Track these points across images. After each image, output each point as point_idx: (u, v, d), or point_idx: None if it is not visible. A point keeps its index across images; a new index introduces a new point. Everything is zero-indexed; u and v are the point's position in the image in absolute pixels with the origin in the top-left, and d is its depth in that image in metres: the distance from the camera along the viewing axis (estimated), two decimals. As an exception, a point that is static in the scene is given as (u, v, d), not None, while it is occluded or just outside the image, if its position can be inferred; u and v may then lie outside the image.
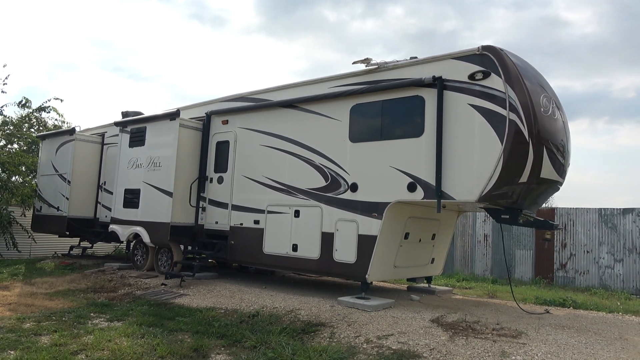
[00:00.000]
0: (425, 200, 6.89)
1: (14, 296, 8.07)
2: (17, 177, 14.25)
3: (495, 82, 6.40)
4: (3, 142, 14.84)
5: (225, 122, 9.69)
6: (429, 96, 6.94)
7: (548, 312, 7.66)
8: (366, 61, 7.50)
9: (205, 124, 10.03)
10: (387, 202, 7.22)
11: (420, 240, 8.32)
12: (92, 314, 7.02)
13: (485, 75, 6.48)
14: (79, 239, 12.89)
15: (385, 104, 7.41)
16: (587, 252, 13.22)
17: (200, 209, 9.92)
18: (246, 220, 9.10)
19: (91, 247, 12.67)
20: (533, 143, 6.30)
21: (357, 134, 7.71)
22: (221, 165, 9.66)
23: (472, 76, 6.59)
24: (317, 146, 8.17)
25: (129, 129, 10.71)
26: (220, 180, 9.64)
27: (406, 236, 7.83)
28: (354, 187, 7.64)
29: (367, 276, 7.34)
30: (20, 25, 61.24)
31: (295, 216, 8.36)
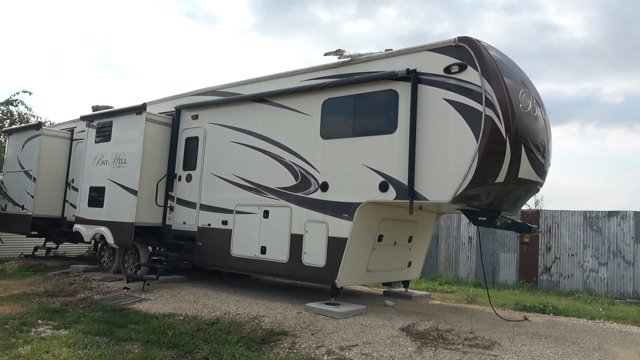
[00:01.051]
0: (397, 200, 6.48)
1: (-40, 300, 7.54)
2: None
3: (472, 76, 6.01)
4: None
5: (195, 117, 9.21)
6: (403, 90, 6.54)
7: (526, 319, 7.29)
8: (339, 53, 7.08)
9: (174, 119, 9.56)
10: (358, 202, 6.80)
11: (395, 243, 7.91)
12: (39, 321, 6.53)
13: (462, 68, 6.09)
14: (44, 239, 12.31)
15: (358, 99, 6.99)
16: (572, 255, 12.93)
17: (168, 209, 9.44)
18: (214, 220, 8.63)
19: (56, 248, 12.11)
20: (511, 141, 5.92)
21: (329, 130, 7.29)
22: (190, 162, 9.19)
23: (447, 69, 6.20)
24: (287, 143, 7.73)
25: (95, 123, 10.19)
26: (188, 179, 9.17)
27: (380, 238, 7.42)
28: (324, 187, 7.21)
29: (336, 281, 6.92)
30: (10, 22, 60.13)
31: (264, 217, 7.91)
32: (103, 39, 73.01)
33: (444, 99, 6.16)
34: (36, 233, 12.41)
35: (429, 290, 10.70)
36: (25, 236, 12.58)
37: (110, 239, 9.41)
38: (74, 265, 11.19)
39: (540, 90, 7.08)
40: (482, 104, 5.87)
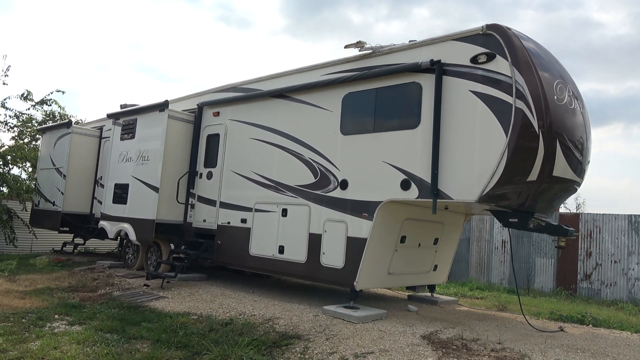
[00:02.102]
0: (419, 199, 6.10)
1: (-16, 293, 7.66)
2: (20, 170, 14.07)
3: (501, 66, 5.57)
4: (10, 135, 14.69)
5: (217, 114, 9.10)
6: (427, 83, 6.16)
7: (562, 330, 6.75)
8: (359, 45, 6.77)
9: (196, 116, 9.47)
10: (378, 201, 6.47)
11: (419, 245, 7.52)
12: (56, 316, 6.52)
13: (490, 57, 5.66)
14: (72, 235, 12.53)
15: (380, 93, 6.66)
16: (615, 262, 12.09)
17: (189, 206, 9.36)
18: (233, 218, 8.47)
19: (83, 244, 12.29)
20: (544, 135, 5.45)
21: (349, 126, 6.98)
22: (211, 159, 9.08)
23: (474, 59, 5.78)
24: (307, 139, 7.47)
25: (121, 121, 10.25)
26: (209, 176, 9.05)
27: (402, 240, 7.05)
28: (343, 184, 6.91)
29: (355, 283, 6.60)
30: (56, 26, 62.72)
31: (282, 215, 7.68)
32: (143, 43, 75.09)
33: (471, 90, 5.75)
34: (67, 229, 12.66)
35: (457, 296, 10.21)
36: (56, 232, 12.85)
37: (132, 236, 9.41)
38: (100, 261, 11.31)
39: (582, 90, 6.53)
40: (512, 96, 5.43)
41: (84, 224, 12.09)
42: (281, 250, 7.62)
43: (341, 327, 6.07)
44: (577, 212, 16.71)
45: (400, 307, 7.72)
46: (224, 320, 6.42)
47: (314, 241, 7.17)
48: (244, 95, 8.57)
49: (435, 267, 8.19)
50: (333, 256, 6.92)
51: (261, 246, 7.94)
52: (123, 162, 9.94)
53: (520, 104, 5.38)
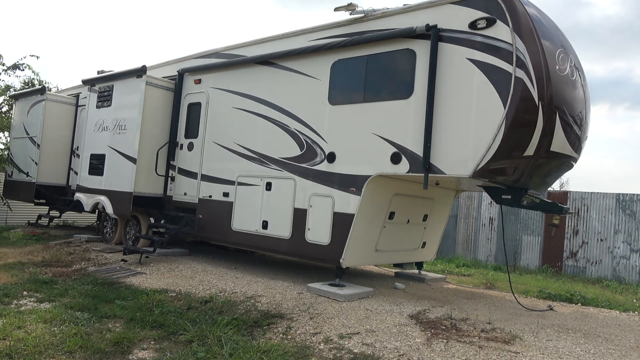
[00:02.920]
0: (410, 174, 5.80)
1: (-51, 267, 7.24)
2: None
3: (501, 32, 5.21)
4: None
5: (198, 82, 8.61)
6: (421, 49, 5.78)
7: (551, 309, 6.61)
8: (350, 8, 6.32)
9: (177, 83, 8.96)
10: (367, 175, 6.15)
11: (408, 222, 7.26)
12: (24, 293, 6.15)
13: (490, 22, 5.29)
14: (48, 207, 12.03)
15: (371, 60, 6.25)
16: (601, 240, 12.05)
17: (169, 179, 8.94)
18: (215, 192, 8.10)
19: (59, 217, 11.83)
20: (544, 108, 5.14)
21: (338, 96, 6.59)
22: (192, 130, 8.63)
23: (473, 24, 5.40)
24: (293, 109, 7.07)
25: (96, 87, 9.69)
26: (190, 147, 8.62)
27: (391, 216, 6.78)
28: (331, 157, 6.56)
29: (341, 260, 6.33)
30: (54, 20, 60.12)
31: (266, 189, 7.33)
32: (126, 12, 72.51)
33: (468, 58, 5.39)
34: (44, 201, 12.15)
35: (444, 273, 10.07)
36: (32, 204, 12.34)
37: (109, 209, 9.00)
38: (77, 235, 10.88)
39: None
40: (512, 64, 5.09)
41: (60, 196, 11.59)
42: (265, 225, 7.30)
43: (326, 306, 5.82)
44: (563, 190, 16.67)
45: (387, 285, 7.51)
46: (204, 297, 6.12)
47: (299, 216, 6.86)
48: (227, 61, 8.08)
49: (424, 244, 7.97)
50: (319, 232, 6.62)
51: (244, 221, 7.60)
52: (99, 132, 9.43)
53: (520, 73, 5.05)
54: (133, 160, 8.54)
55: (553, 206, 6.05)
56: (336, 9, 6.39)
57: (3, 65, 12.38)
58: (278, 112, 7.23)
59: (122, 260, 8.23)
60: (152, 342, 4.67)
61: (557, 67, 5.26)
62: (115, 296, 6.08)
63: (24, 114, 12.04)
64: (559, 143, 5.46)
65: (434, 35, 5.60)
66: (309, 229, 6.75)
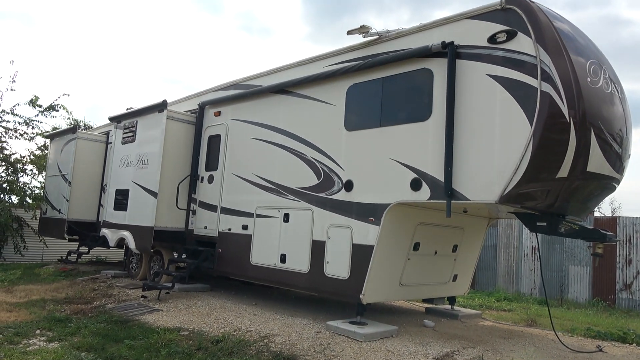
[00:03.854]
0: (431, 201, 5.37)
1: (-28, 305, 7.26)
2: (30, 177, 13.90)
3: (523, 44, 4.82)
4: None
5: (218, 114, 8.56)
6: (438, 68, 5.45)
7: (601, 350, 5.87)
8: (363, 30, 6.10)
9: (198, 116, 8.96)
10: (386, 203, 5.76)
11: (436, 253, 6.75)
12: (37, 331, 6.02)
13: (510, 35, 4.91)
14: (75, 243, 12.18)
15: (386, 82, 5.97)
16: (659, 271, 10.96)
17: (190, 212, 8.82)
18: (234, 225, 7.88)
19: (87, 252, 11.93)
20: (576, 124, 4.66)
21: (354, 121, 6.31)
22: (212, 162, 8.53)
23: (492, 38, 5.04)
24: (309, 137, 6.84)
25: (122, 124, 9.84)
26: (210, 180, 8.51)
27: (416, 247, 6.31)
28: (348, 186, 6.23)
29: (362, 296, 5.89)
30: (76, 42, 64.28)
31: (284, 221, 7.04)
32: (170, 55, 76.16)
33: (489, 74, 5.01)
34: (77, 237, 12.32)
35: (482, 308, 9.37)
36: (66, 241, 12.53)
37: (132, 244, 8.93)
38: (105, 270, 10.90)
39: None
40: (537, 79, 4.67)
41: (91, 232, 11.72)
42: (283, 259, 6.97)
43: (344, 347, 5.37)
44: (614, 215, 15.52)
45: (415, 322, 6.95)
46: (216, 337, 5.79)
47: (317, 249, 6.50)
48: (244, 92, 8.00)
49: (455, 277, 7.39)
50: (337, 265, 6.23)
51: (262, 255, 7.31)
52: (124, 167, 9.51)
53: (546, 87, 4.61)
54: (154, 194, 8.49)
55: (595, 233, 5.44)
56: (349, 32, 6.20)
57: (40, 107, 12.89)
58: (295, 140, 7.01)
59: (142, 296, 8.06)
60: (153, 387, 4.36)
61: (588, 79, 4.79)
62: (125, 335, 5.85)
63: (58, 152, 12.40)
64: (597, 163, 4.92)
65: (450, 52, 5.27)
66: (327, 262, 6.37)
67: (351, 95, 6.35)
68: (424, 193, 5.42)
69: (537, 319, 8.34)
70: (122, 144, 9.72)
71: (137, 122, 9.41)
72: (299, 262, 6.71)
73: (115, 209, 9.60)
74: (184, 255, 8.76)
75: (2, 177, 12.82)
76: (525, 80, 4.73)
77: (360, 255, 5.96)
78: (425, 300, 8.04)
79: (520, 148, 4.69)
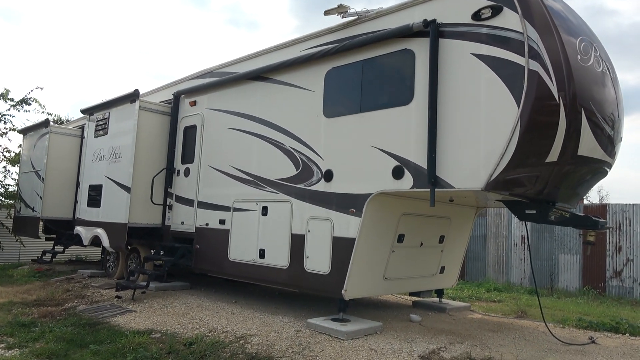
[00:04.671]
0: (414, 189, 5.06)
1: None
2: (2, 174, 13.35)
3: (509, 20, 4.50)
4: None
5: (193, 104, 8.16)
6: (420, 48, 5.11)
7: (593, 341, 5.63)
8: (342, 10, 5.75)
9: (173, 106, 8.54)
10: (367, 193, 5.44)
11: (422, 245, 6.46)
12: (-2, 337, 5.63)
13: (496, 11, 4.59)
14: (52, 242, 11.71)
15: (366, 65, 5.62)
16: (649, 258, 10.81)
17: (167, 207, 8.44)
18: (212, 219, 7.52)
19: (62, 252, 11.47)
20: (566, 105, 4.36)
21: (333, 107, 5.97)
22: (188, 154, 8.14)
23: (477, 15, 4.72)
24: (287, 125, 6.48)
25: (94, 116, 9.40)
26: (187, 173, 8.12)
27: (400, 239, 6.01)
28: (328, 176, 5.89)
29: (343, 292, 5.57)
30: (63, 36, 62.99)
31: (262, 214, 6.70)
32: (153, 50, 75.06)
33: (473, 54, 4.68)
34: (54, 236, 11.86)
35: (471, 299, 9.12)
36: (43, 240, 12.06)
37: (105, 242, 8.54)
38: (81, 270, 10.48)
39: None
40: (524, 56, 4.36)
41: (67, 231, 11.26)
42: (262, 254, 6.63)
43: (324, 346, 5.06)
44: (603, 203, 15.39)
45: (401, 317, 6.67)
46: (189, 339, 5.45)
47: (297, 243, 6.18)
48: (220, 80, 7.61)
49: (442, 269, 7.12)
50: (318, 260, 5.91)
51: (241, 250, 6.97)
52: (97, 162, 9.08)
53: (534, 65, 4.30)
54: (127, 189, 8.09)
55: (586, 220, 5.17)
56: (326, 12, 5.83)
57: (12, 100, 12.35)
58: (272, 129, 6.65)
59: (117, 297, 7.67)
60: (115, 397, 4.01)
61: (578, 56, 4.49)
62: (92, 340, 5.49)
63: (31, 148, 11.90)
64: (588, 146, 4.64)
65: (433, 31, 4.94)
66: (307, 257, 6.04)
67: (330, 80, 6.00)
68: (407, 181, 5.11)
69: (527, 309, 8.10)
70: (95, 137, 9.29)
71: (109, 114, 8.97)
72: (279, 257, 6.38)
73: (88, 205, 9.18)
74: (161, 253, 8.39)
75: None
76: (512, 58, 4.42)
77: (341, 248, 5.65)
78: (412, 294, 7.76)
79: (507, 131, 4.39)
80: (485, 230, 13.52)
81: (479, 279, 13.08)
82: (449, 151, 4.79)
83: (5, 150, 13.32)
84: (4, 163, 13.05)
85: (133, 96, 8.25)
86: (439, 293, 7.56)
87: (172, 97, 8.64)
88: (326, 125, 5.99)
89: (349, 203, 5.61)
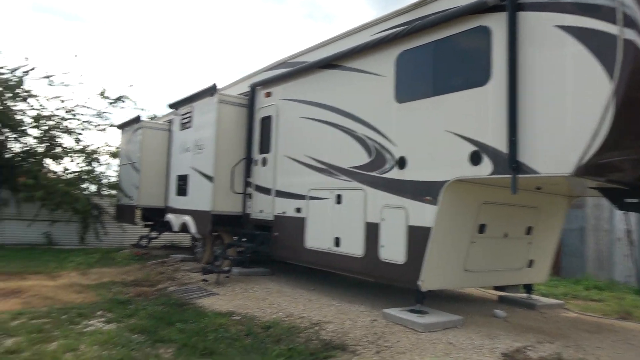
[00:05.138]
0: (494, 176, 4.74)
1: (48, 288, 7.71)
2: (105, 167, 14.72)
3: (601, -15, 4.02)
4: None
5: (268, 95, 8.35)
6: (497, 24, 4.76)
7: None
8: (414, -10, 5.51)
9: (249, 98, 8.81)
10: (442, 180, 5.21)
11: (506, 236, 6.08)
12: (99, 312, 6.20)
13: (584, -24, 4.12)
14: (148, 228, 12.70)
15: (438, 46, 5.36)
16: None
17: (247, 196, 8.75)
18: (289, 208, 7.67)
19: (156, 238, 12.39)
20: (671, 77, 3.81)
21: (405, 92, 5.77)
22: (265, 145, 8.36)
23: (562, -18, 4.27)
24: (359, 112, 6.40)
25: (180, 110, 9.99)
26: (264, 163, 8.35)
27: (481, 229, 5.69)
28: (401, 163, 5.73)
29: (419, 282, 5.41)
30: (176, 57, 67.65)
31: (336, 202, 6.70)
32: (234, 46, 78.12)
33: (557, 26, 4.26)
34: (150, 223, 12.86)
35: (566, 297, 8.43)
36: (140, 226, 13.13)
37: (192, 229, 9.07)
38: (174, 255, 11.25)
39: None
40: (617, 24, 3.87)
41: (160, 218, 12.15)
42: (337, 242, 6.64)
43: (400, 337, 4.96)
44: None
45: (485, 312, 6.33)
46: (267, 323, 5.62)
47: (372, 232, 6.10)
48: (292, 70, 7.70)
49: (531, 262, 6.65)
50: (393, 249, 5.79)
51: (316, 238, 7.04)
52: (183, 153, 9.66)
53: (630, 34, 3.81)
54: (210, 178, 8.51)
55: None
56: (398, -6, 5.63)
57: (108, 98, 13.56)
58: (343, 117, 6.61)
59: (203, 280, 8.14)
60: (193, 374, 4.24)
61: (687, 20, 3.89)
62: (178, 318, 5.85)
63: (127, 142, 12.96)
64: (700, 123, 4.03)
65: (510, 4, 4.57)
66: (382, 246, 5.94)
67: (401, 64, 5.81)
68: (485, 167, 4.80)
69: (632, 310, 7.32)
70: (181, 130, 9.87)
71: (193, 107, 9.47)
72: (353, 246, 6.35)
73: (177, 194, 9.80)
74: (243, 239, 8.73)
75: (81, 167, 13.68)
76: (603, 28, 3.95)
77: (417, 238, 5.47)
78: (497, 288, 7.35)
79: (598, 109, 3.94)
80: (582, 223, 12.41)
81: (576, 276, 12.06)
82: (532, 134, 4.42)
83: (107, 144, 14.68)
84: (106, 156, 14.34)
85: (212, 90, 8.64)
86: (528, 288, 7.07)
87: (248, 89, 8.91)
88: (398, 111, 5.81)
89: (424, 191, 5.42)
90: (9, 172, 12.63)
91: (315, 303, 6.53)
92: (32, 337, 4.94)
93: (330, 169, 6.83)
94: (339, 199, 6.66)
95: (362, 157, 6.28)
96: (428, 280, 5.45)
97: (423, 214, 5.45)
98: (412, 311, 5.58)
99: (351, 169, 6.45)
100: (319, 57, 7.15)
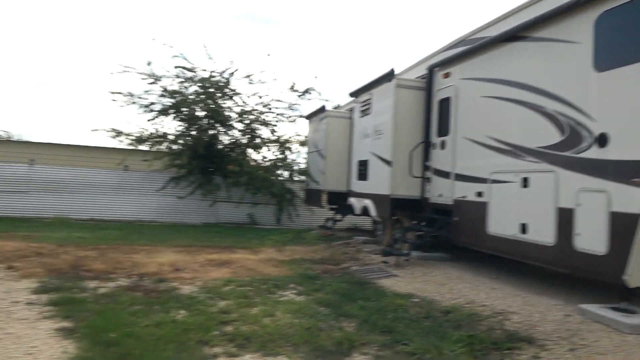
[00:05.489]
0: None
1: (251, 261, 8.91)
2: (295, 154, 16.19)
3: None
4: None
5: (446, 76, 8.10)
6: None
7: None
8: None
9: (427, 81, 8.68)
10: (658, 159, 4.39)
11: None
12: (291, 285, 6.95)
13: None
14: (333, 212, 13.56)
15: (654, -2, 4.47)
16: None
17: (425, 180, 8.70)
18: (469, 192, 7.39)
19: (340, 220, 13.13)
20: None
21: (607, 58, 4.99)
22: (443, 127, 8.16)
23: None
24: (548, 86, 5.77)
25: (359, 98, 10.39)
26: (442, 146, 8.17)
27: None
28: (602, 140, 5.00)
29: (625, 277, 4.69)
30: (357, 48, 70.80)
31: (522, 186, 6.20)
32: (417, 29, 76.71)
33: None
34: (335, 206, 13.81)
35: None
36: (326, 209, 14.19)
37: (372, 212, 9.43)
38: (357, 237, 11.86)
39: None
40: None
41: (343, 202, 12.92)
42: (523, 229, 6.16)
43: (600, 336, 4.42)
44: None
45: None
46: (447, 307, 5.57)
47: (564, 218, 5.49)
48: (472, 47, 7.30)
49: None
50: (591, 238, 5.13)
51: (500, 224, 6.64)
52: (363, 139, 10.05)
53: None
54: (389, 163, 8.70)
55: None
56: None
57: (297, 91, 14.82)
58: (529, 92, 6.04)
59: (383, 262, 8.42)
60: (375, 348, 4.47)
61: None
62: (360, 296, 6.20)
63: (314, 131, 14.02)
64: None
65: None
66: (577, 234, 5.31)
67: (601, 27, 5.02)
68: None
69: None
70: (361, 117, 10.27)
71: (372, 94, 9.76)
72: (542, 233, 5.81)
73: (358, 179, 10.28)
74: (422, 223, 8.74)
75: (276, 156, 15.33)
76: None
77: (622, 226, 4.75)
78: None
79: None
80: None
81: None
82: None
83: (297, 134, 16.12)
84: (296, 145, 15.77)
85: (389, 76, 8.75)
86: None
87: (425, 72, 8.77)
88: (598, 81, 5.06)
89: (632, 172, 4.65)
90: (220, 161, 14.89)
91: (499, 292, 6.20)
92: (238, 302, 5.81)
93: (514, 150, 6.34)
94: (525, 182, 6.15)
95: (552, 136, 5.67)
96: (636, 275, 4.68)
97: (630, 198, 4.68)
98: (615, 309, 4.89)
99: (540, 149, 5.88)
100: (499, 30, 6.64)
